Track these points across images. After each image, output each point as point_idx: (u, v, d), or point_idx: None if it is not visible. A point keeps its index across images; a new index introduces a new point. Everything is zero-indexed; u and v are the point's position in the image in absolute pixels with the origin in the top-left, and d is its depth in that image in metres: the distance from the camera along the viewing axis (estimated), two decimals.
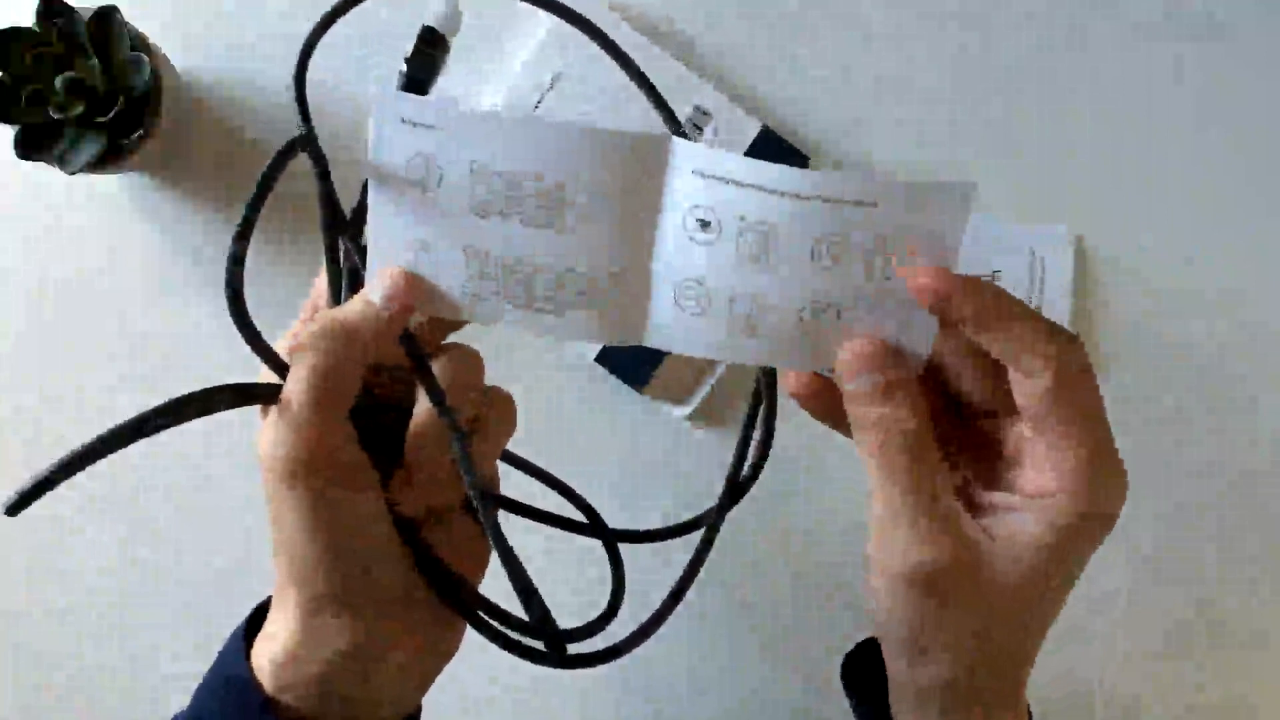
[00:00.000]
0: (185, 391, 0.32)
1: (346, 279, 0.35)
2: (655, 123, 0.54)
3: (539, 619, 0.34)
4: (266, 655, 0.33)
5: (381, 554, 0.33)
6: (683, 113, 0.54)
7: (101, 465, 0.31)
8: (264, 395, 0.33)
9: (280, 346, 0.35)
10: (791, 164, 0.53)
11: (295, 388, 0.31)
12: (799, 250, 0.32)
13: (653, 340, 0.35)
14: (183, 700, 0.35)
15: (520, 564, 0.34)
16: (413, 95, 0.32)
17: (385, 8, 0.36)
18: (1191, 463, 0.58)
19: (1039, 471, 0.31)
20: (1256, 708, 0.59)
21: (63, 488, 0.30)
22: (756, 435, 0.39)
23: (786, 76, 0.56)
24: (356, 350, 0.32)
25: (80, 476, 0.30)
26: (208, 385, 0.32)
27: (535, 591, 0.34)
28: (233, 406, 0.33)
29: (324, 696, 0.32)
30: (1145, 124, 0.57)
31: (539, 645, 0.35)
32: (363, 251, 0.34)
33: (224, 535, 0.57)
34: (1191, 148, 0.57)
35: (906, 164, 0.57)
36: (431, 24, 0.37)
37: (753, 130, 0.54)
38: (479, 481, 0.34)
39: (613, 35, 0.39)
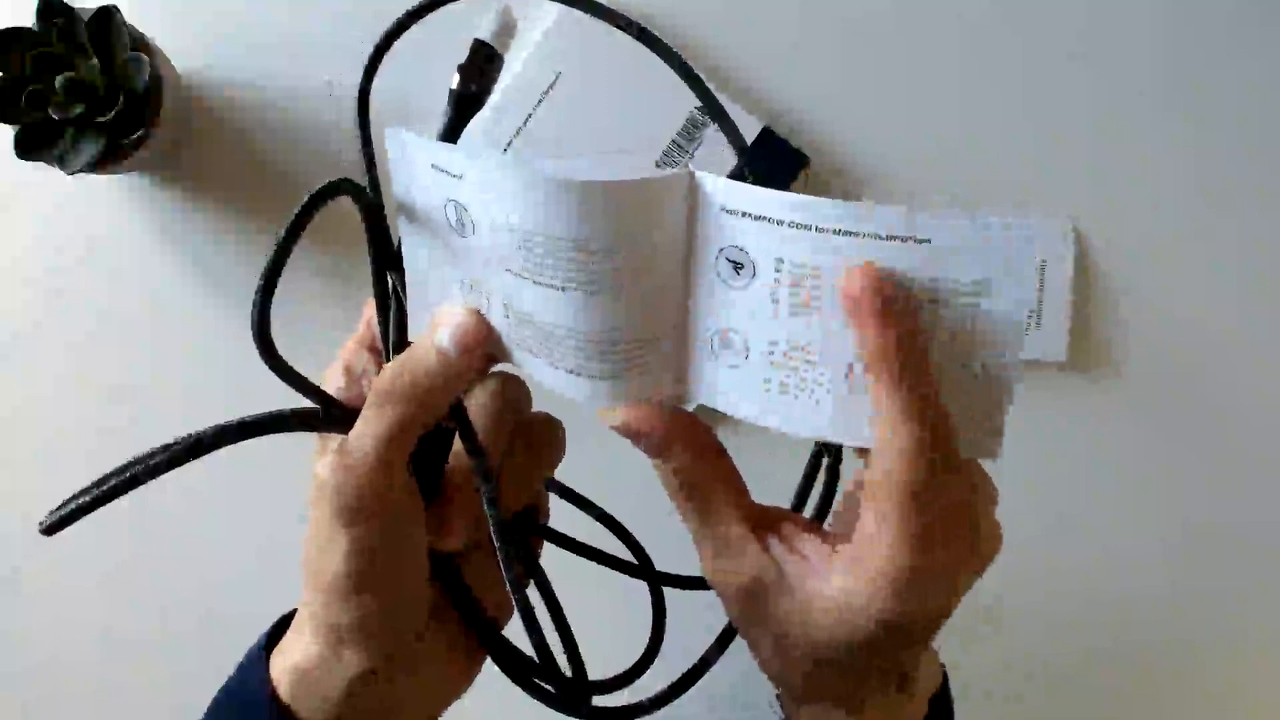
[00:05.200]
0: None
1: (395, 315, 0.34)
2: (660, 118, 0.54)
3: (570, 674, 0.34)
4: (284, 668, 0.33)
5: (412, 589, 0.33)
6: (683, 113, 0.54)
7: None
8: (332, 424, 0.32)
9: (332, 376, 0.34)
10: (791, 164, 0.54)
11: (371, 439, 0.31)
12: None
13: (698, 398, 0.33)
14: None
15: (543, 637, 0.33)
16: (443, 144, 0.30)
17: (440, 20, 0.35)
18: (1192, 461, 0.58)
19: (858, 552, 0.31)
20: (1255, 707, 0.59)
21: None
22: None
23: (786, 76, 0.56)
24: (435, 405, 0.32)
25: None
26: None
27: (554, 664, 0.34)
28: (297, 430, 0.32)
29: (338, 716, 0.33)
30: (1145, 121, 0.57)
31: (566, 692, 0.35)
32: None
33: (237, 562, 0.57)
34: (1194, 144, 0.57)
35: (907, 163, 0.57)
36: (483, 37, 0.36)
37: (753, 130, 0.54)
38: (510, 548, 0.33)
39: (612, 36, 0.39)
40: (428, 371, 0.31)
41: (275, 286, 0.29)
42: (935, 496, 0.29)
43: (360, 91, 0.34)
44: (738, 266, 0.29)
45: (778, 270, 0.29)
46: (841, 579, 0.31)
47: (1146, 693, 0.59)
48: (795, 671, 0.34)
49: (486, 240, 0.30)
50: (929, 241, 0.27)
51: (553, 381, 0.32)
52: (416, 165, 0.31)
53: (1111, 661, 0.59)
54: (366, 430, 0.31)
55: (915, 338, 0.28)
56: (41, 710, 0.58)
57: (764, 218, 0.28)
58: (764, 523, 0.34)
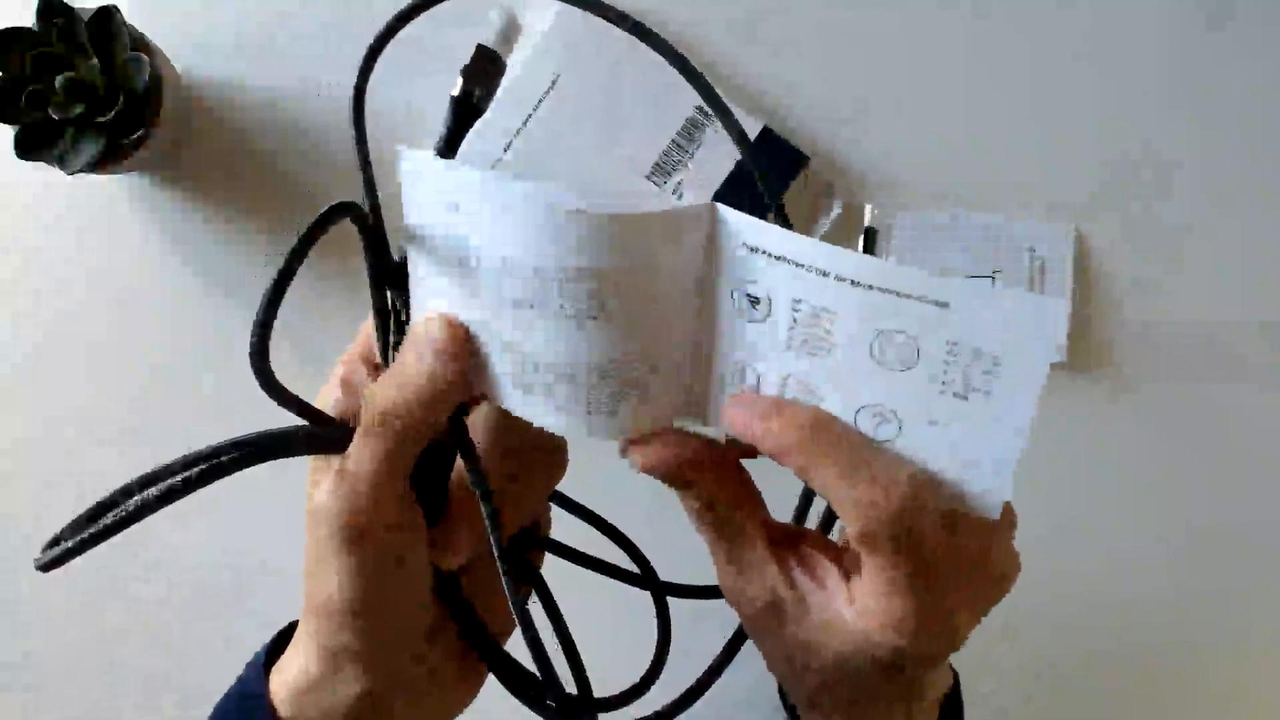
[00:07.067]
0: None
1: (395, 330, 0.33)
2: (659, 120, 0.54)
3: (576, 693, 0.34)
4: (282, 683, 0.33)
5: (412, 613, 0.33)
6: (683, 114, 0.54)
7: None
8: (330, 445, 0.32)
9: (330, 389, 0.34)
10: (791, 163, 0.54)
11: (367, 461, 0.30)
12: (859, 344, 0.29)
13: (714, 424, 0.33)
14: None
15: (548, 659, 0.33)
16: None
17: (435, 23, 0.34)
18: (1194, 462, 0.58)
19: (864, 593, 0.31)
20: (1258, 708, 0.59)
21: None
22: None
23: (787, 76, 0.56)
24: (427, 419, 0.31)
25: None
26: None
27: (557, 683, 0.33)
28: (301, 455, 0.31)
29: None
30: (1149, 121, 0.57)
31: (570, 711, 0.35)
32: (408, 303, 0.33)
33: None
34: (1197, 145, 0.57)
35: (909, 163, 0.57)
36: (487, 43, 0.36)
37: (753, 130, 0.54)
38: (512, 568, 0.33)
39: (612, 37, 0.39)
40: (415, 386, 0.31)
41: (275, 317, 0.29)
42: (936, 545, 0.29)
43: (355, 91, 0.33)
44: (754, 301, 0.30)
45: (795, 310, 0.29)
46: (853, 613, 0.31)
47: (1149, 694, 0.59)
48: (807, 685, 0.33)
49: (489, 273, 0.30)
50: (947, 306, 0.28)
51: (560, 425, 0.32)
52: (431, 193, 0.30)
53: (1114, 663, 0.59)
54: (363, 453, 0.30)
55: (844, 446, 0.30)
56: None
57: (784, 259, 0.29)
58: (784, 543, 0.34)
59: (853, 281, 0.28)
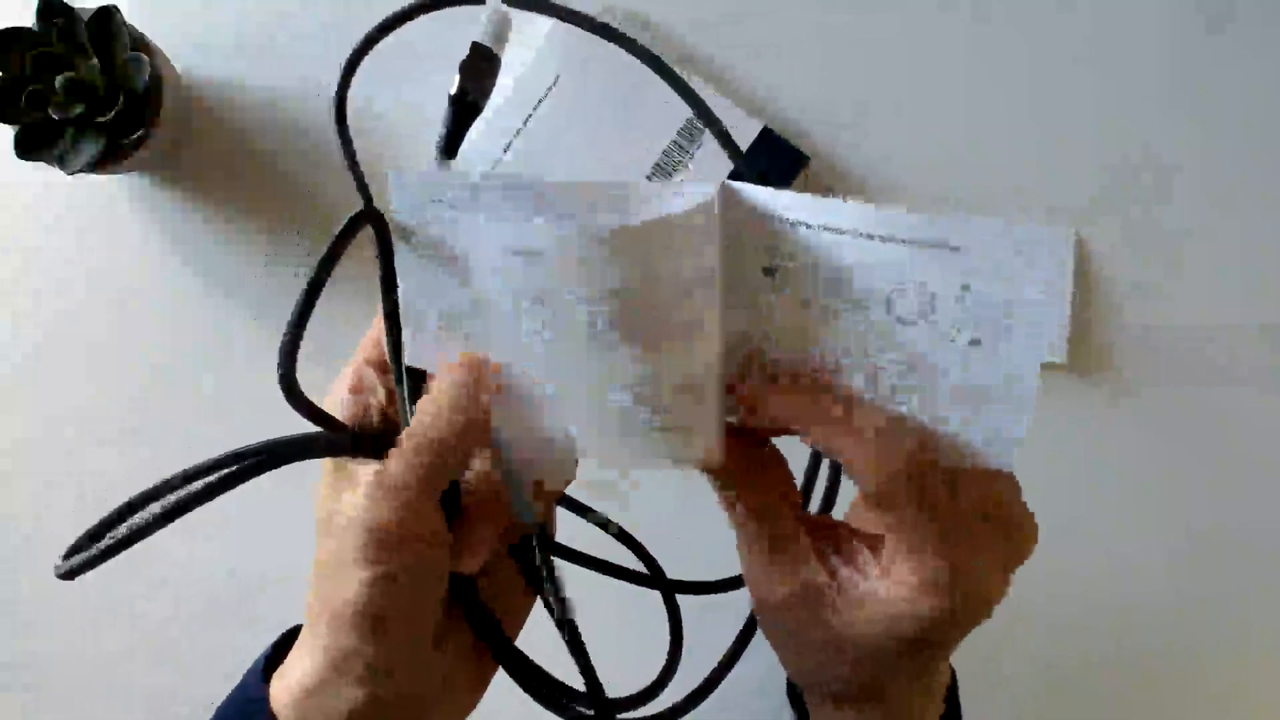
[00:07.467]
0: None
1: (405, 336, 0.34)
2: (659, 119, 0.54)
3: (592, 692, 0.34)
4: (284, 688, 0.33)
5: (432, 618, 0.33)
6: (683, 115, 0.54)
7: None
8: (344, 450, 0.32)
9: (335, 396, 0.34)
10: (791, 164, 0.54)
11: (412, 475, 0.30)
12: (876, 298, 0.29)
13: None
14: None
15: (586, 652, 0.33)
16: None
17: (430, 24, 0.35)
18: (1194, 464, 0.58)
19: (886, 560, 0.31)
20: (1258, 711, 0.59)
21: None
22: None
23: (786, 77, 0.56)
24: (472, 446, 0.32)
25: None
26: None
27: (594, 677, 0.33)
28: (322, 457, 0.31)
29: None
30: (1149, 124, 0.57)
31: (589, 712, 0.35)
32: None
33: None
34: (1198, 147, 0.57)
35: (909, 166, 0.57)
36: (482, 40, 0.36)
37: (753, 131, 0.54)
38: (560, 585, 0.33)
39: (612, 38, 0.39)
40: (464, 419, 0.31)
41: (304, 328, 0.29)
42: (936, 498, 0.29)
43: (337, 99, 0.33)
44: (770, 271, 0.30)
45: (814, 274, 0.29)
46: (884, 583, 0.31)
47: (1149, 696, 0.59)
48: (839, 673, 0.33)
49: (502, 312, 0.30)
50: (959, 249, 0.28)
51: (590, 450, 0.32)
52: (431, 211, 0.30)
53: (1114, 665, 0.59)
54: (404, 474, 0.31)
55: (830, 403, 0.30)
56: None
57: (796, 222, 0.29)
58: (817, 531, 0.34)
59: (867, 235, 0.28)
